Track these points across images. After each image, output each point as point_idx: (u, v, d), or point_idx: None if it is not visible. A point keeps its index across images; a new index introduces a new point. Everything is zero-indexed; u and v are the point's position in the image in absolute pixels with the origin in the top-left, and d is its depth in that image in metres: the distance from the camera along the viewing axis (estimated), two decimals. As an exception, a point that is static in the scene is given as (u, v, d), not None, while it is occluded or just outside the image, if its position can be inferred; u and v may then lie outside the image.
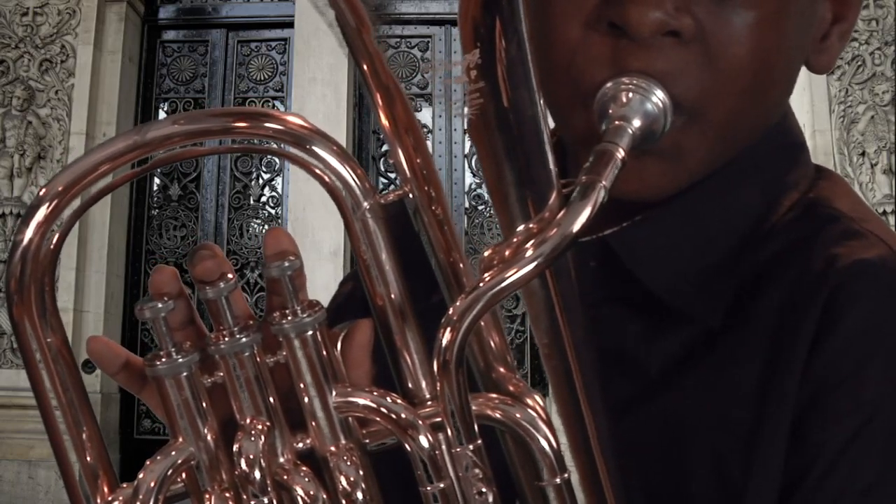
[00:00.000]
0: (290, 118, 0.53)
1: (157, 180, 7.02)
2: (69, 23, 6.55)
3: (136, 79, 6.92)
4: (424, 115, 6.93)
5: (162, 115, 7.07)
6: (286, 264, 0.55)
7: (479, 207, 6.78)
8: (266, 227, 6.91)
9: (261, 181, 7.01)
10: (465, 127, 6.60)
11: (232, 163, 6.95)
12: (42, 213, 0.53)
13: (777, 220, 0.77)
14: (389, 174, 6.83)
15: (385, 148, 6.87)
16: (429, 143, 6.75)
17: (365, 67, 0.54)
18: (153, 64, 7.03)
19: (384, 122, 0.55)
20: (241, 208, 6.93)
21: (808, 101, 5.97)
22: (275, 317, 0.55)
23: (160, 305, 0.54)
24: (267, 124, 0.52)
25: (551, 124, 0.68)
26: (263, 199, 6.96)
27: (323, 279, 5.51)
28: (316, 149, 0.54)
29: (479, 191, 6.80)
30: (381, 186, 6.86)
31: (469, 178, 6.81)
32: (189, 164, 6.98)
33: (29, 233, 0.54)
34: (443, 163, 6.78)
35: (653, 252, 0.76)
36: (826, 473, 0.67)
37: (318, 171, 0.55)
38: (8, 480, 5.94)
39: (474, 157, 6.82)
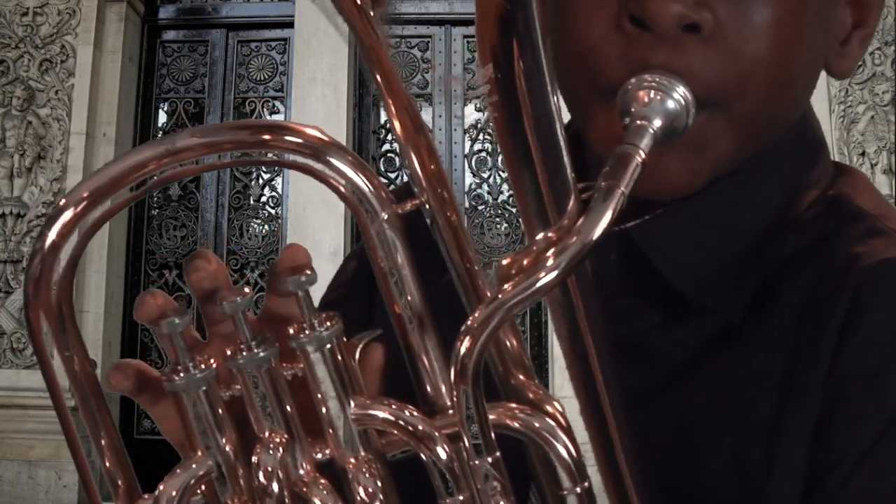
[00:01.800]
0: (308, 130, 0.53)
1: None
2: (69, 23, 6.55)
3: (136, 79, 6.91)
4: (424, 116, 6.91)
5: (162, 115, 7.07)
6: (303, 279, 0.55)
7: (479, 207, 6.78)
8: (266, 227, 6.90)
9: (261, 181, 7.00)
10: (465, 128, 6.60)
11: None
12: (68, 215, 0.53)
13: (798, 215, 0.77)
14: (389, 174, 6.83)
15: (385, 148, 6.87)
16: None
17: (380, 80, 0.54)
18: (153, 64, 7.02)
19: (398, 130, 0.55)
20: (241, 208, 6.93)
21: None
22: (293, 330, 0.55)
23: (177, 321, 0.54)
24: (287, 137, 0.52)
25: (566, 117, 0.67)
26: (263, 199, 6.96)
27: (323, 279, 5.49)
28: (333, 160, 0.53)
29: (478, 191, 6.80)
30: (381, 186, 6.86)
31: (469, 178, 6.80)
32: (189, 164, 6.96)
33: (52, 235, 0.53)
34: (443, 163, 6.78)
35: (674, 245, 0.77)
36: (852, 473, 0.67)
37: (334, 182, 0.55)
38: (8, 480, 5.94)
39: (475, 157, 6.82)
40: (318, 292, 0.98)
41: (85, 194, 0.53)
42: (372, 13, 0.52)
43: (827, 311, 0.71)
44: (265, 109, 7.02)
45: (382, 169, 6.83)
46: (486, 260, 6.66)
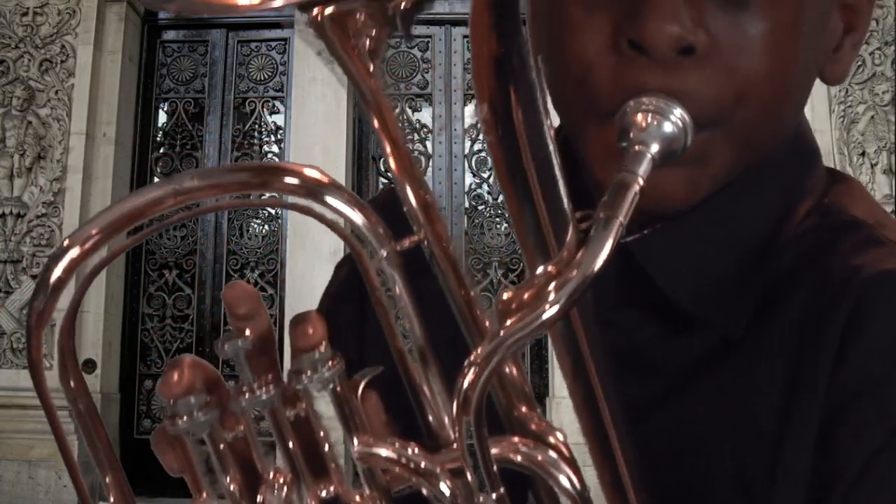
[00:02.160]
0: (307, 171, 0.53)
1: (157, 180, 6.99)
2: (69, 23, 6.55)
3: (136, 79, 6.91)
4: (424, 115, 6.93)
5: (162, 115, 7.08)
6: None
7: (479, 207, 6.78)
8: (266, 227, 6.91)
9: (261, 181, 7.01)
10: (465, 128, 6.60)
11: (232, 163, 6.95)
12: (74, 252, 0.53)
13: (794, 226, 0.78)
14: (389, 175, 6.83)
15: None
16: (429, 144, 6.80)
17: (377, 123, 0.54)
18: (153, 64, 7.03)
19: (394, 168, 0.56)
20: (241, 208, 6.93)
21: (808, 101, 5.96)
22: (295, 372, 0.55)
23: (193, 400, 0.54)
24: (286, 178, 0.52)
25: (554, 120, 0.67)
26: (263, 198, 6.95)
27: (323, 280, 5.49)
28: (330, 199, 0.54)
29: (478, 191, 6.80)
30: (380, 187, 6.87)
31: (469, 178, 6.81)
32: (189, 164, 6.98)
33: (58, 271, 0.54)
34: (443, 163, 6.78)
35: (673, 260, 0.77)
36: (855, 484, 0.67)
37: (327, 220, 0.55)
38: (8, 480, 5.94)
39: (475, 158, 6.82)
40: (317, 293, 0.98)
41: (93, 231, 0.53)
42: (371, 66, 0.53)
43: (826, 323, 0.71)
44: (265, 109, 7.03)
45: (382, 169, 6.83)
46: (487, 260, 6.67)
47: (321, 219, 0.55)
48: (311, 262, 6.14)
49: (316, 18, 0.50)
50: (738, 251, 0.77)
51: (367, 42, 0.53)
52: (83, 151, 6.41)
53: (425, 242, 0.56)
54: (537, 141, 0.54)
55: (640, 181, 0.58)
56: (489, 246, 6.70)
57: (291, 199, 0.54)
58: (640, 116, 0.66)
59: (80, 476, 0.61)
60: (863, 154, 6.13)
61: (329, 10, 0.49)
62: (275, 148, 7.03)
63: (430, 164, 6.83)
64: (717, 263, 0.77)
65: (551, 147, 0.55)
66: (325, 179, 0.54)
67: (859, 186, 0.84)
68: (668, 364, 0.77)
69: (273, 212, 6.92)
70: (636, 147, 0.62)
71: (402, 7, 0.50)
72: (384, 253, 0.55)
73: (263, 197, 0.55)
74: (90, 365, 6.26)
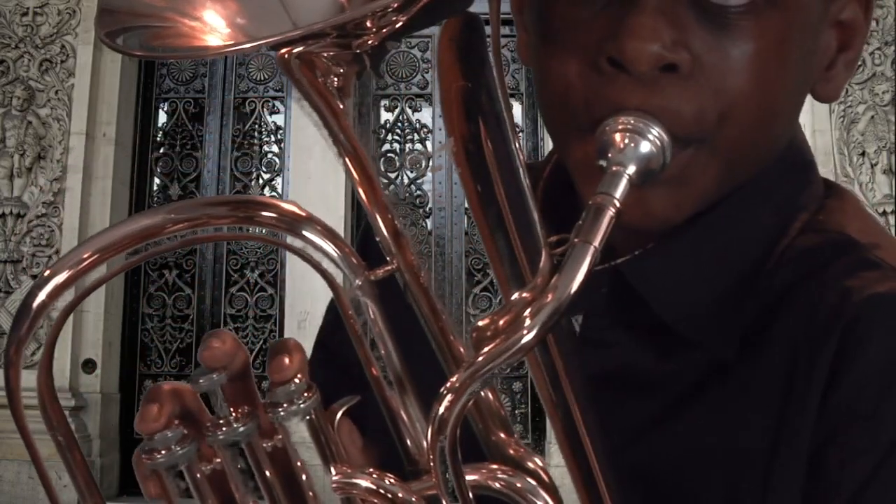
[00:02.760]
0: (283, 205, 0.54)
1: (156, 180, 7.02)
2: (69, 23, 6.54)
3: (136, 79, 6.91)
4: (424, 115, 6.93)
5: (162, 115, 7.07)
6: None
7: (479, 207, 6.77)
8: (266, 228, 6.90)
9: (261, 181, 7.01)
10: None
11: (232, 163, 6.95)
12: (62, 277, 0.54)
13: (788, 244, 0.77)
14: (390, 174, 6.83)
15: (385, 148, 6.87)
16: (428, 144, 6.79)
17: (349, 161, 0.54)
18: (153, 64, 7.01)
19: (364, 199, 0.56)
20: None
21: (808, 101, 5.91)
22: (270, 403, 0.55)
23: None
24: (263, 213, 0.53)
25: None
26: (263, 198, 6.95)
27: (323, 282, 5.50)
28: (305, 233, 0.54)
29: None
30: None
31: (469, 179, 6.80)
32: (189, 164, 6.98)
33: (42, 295, 0.54)
34: (443, 162, 6.78)
35: (665, 281, 0.76)
36: None
37: (304, 254, 0.56)
38: (8, 480, 5.94)
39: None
40: (318, 295, 0.99)
41: (85, 255, 0.53)
42: (342, 105, 0.53)
43: (818, 347, 0.70)
44: (265, 109, 7.02)
45: (382, 169, 6.83)
46: (487, 260, 6.65)
47: (297, 252, 0.55)
48: (310, 262, 6.14)
49: (283, 57, 0.51)
50: (731, 271, 0.76)
51: (336, 80, 0.53)
52: (83, 151, 6.41)
53: (399, 272, 0.57)
54: (508, 172, 0.54)
55: (617, 203, 0.58)
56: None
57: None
58: (617, 136, 0.66)
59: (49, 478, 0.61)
60: (863, 154, 6.12)
61: (297, 50, 0.49)
62: (275, 148, 7.03)
63: (430, 164, 6.82)
64: (710, 284, 0.76)
65: (522, 177, 0.55)
66: (302, 213, 0.54)
67: (854, 201, 0.83)
68: (659, 385, 0.76)
69: (273, 212, 6.91)
70: (613, 168, 0.62)
71: (370, 46, 0.50)
72: (358, 282, 0.55)
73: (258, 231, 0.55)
74: (90, 365, 6.27)
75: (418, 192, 6.80)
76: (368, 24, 0.46)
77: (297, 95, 0.53)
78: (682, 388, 0.75)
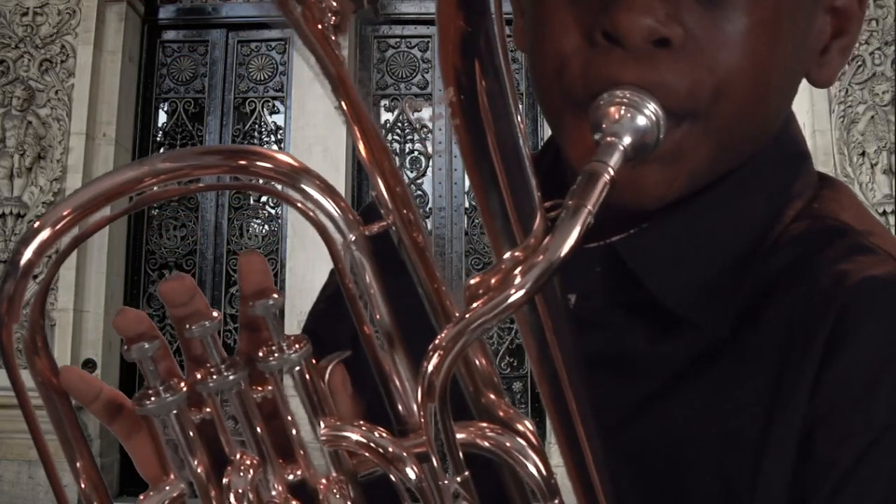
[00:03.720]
0: (279, 156, 0.54)
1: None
2: (69, 23, 6.55)
3: (136, 79, 6.91)
4: (424, 115, 6.93)
5: (162, 115, 7.08)
6: (270, 302, 0.55)
7: (480, 207, 6.77)
8: (266, 227, 6.91)
9: (261, 181, 7.00)
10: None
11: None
12: (45, 234, 0.54)
13: (782, 230, 0.77)
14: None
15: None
16: (428, 144, 6.80)
17: (346, 107, 0.54)
18: (153, 64, 7.02)
19: (363, 154, 0.56)
20: (241, 208, 6.93)
21: (808, 101, 5.97)
22: (261, 353, 0.55)
23: (147, 345, 0.54)
24: (259, 162, 0.53)
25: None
26: (263, 198, 6.96)
27: (322, 278, 5.51)
28: (302, 185, 0.54)
29: (479, 191, 6.80)
30: (381, 186, 6.86)
31: (469, 178, 6.80)
32: (189, 164, 6.98)
33: (28, 253, 0.54)
34: (443, 163, 6.78)
35: (660, 260, 0.77)
36: (835, 493, 0.67)
37: (301, 206, 0.55)
38: (8, 480, 5.94)
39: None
40: (317, 290, 0.99)
41: (65, 212, 0.53)
42: (334, 37, 0.53)
43: (812, 330, 0.70)
44: (265, 109, 7.03)
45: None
46: (487, 260, 6.66)
47: (290, 202, 0.55)
48: (311, 261, 6.14)
49: None
50: (726, 253, 0.77)
51: (333, 18, 0.53)
52: (83, 151, 6.41)
53: (394, 228, 0.57)
54: (505, 127, 0.54)
55: (611, 171, 0.58)
56: (489, 246, 6.66)
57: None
58: (612, 109, 0.66)
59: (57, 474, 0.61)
60: (863, 154, 6.11)
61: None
62: (275, 148, 7.03)
63: (430, 164, 6.83)
64: (704, 264, 0.77)
65: (520, 135, 0.55)
66: (297, 164, 0.54)
67: (848, 192, 0.84)
68: (652, 365, 0.76)
69: (273, 211, 6.92)
70: (608, 138, 0.63)
71: None
72: (353, 237, 0.55)
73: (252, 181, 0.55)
74: (90, 365, 6.27)
75: (418, 192, 6.81)
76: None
77: (300, 44, 0.53)
78: (675, 368, 0.75)
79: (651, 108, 0.66)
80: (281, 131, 6.99)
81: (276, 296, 0.56)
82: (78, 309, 6.26)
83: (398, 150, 6.90)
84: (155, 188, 0.53)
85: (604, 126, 0.65)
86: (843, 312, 0.70)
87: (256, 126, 7.04)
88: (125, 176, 0.53)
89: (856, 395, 0.68)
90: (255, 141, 7.04)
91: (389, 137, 6.91)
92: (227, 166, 0.54)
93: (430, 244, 0.59)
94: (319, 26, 0.53)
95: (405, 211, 0.57)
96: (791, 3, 0.73)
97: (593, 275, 0.79)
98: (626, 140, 0.63)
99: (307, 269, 6.16)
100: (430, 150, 6.86)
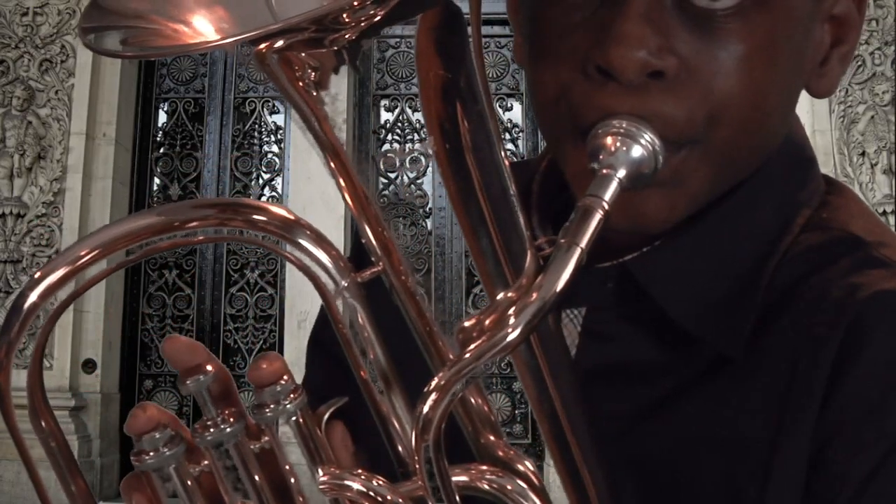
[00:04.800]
0: (273, 209, 0.54)
1: (156, 180, 7.03)
2: (69, 23, 6.55)
3: (136, 79, 6.91)
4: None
5: (162, 115, 7.08)
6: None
7: (479, 207, 6.77)
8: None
9: (261, 181, 7.01)
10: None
11: (232, 163, 6.95)
12: (55, 277, 0.54)
13: (792, 240, 0.77)
14: (390, 174, 6.83)
15: (384, 148, 6.87)
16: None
17: (331, 161, 0.54)
18: (153, 64, 7.02)
19: (350, 203, 0.56)
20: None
21: (808, 101, 5.85)
22: (257, 405, 0.55)
23: (157, 436, 0.55)
24: (252, 216, 0.53)
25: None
26: (263, 199, 6.96)
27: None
28: (296, 238, 0.54)
29: (479, 191, 6.79)
30: (380, 186, 6.86)
31: (469, 178, 6.80)
32: (189, 164, 6.98)
33: (33, 296, 0.54)
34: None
35: (672, 278, 0.76)
36: (852, 502, 0.67)
37: (294, 259, 0.56)
38: (8, 480, 5.95)
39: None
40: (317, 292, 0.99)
41: (61, 266, 0.53)
42: (315, 93, 0.53)
43: (823, 342, 0.70)
44: (265, 109, 7.03)
45: (382, 169, 6.82)
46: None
47: (284, 256, 0.55)
48: (310, 262, 6.14)
49: (260, 52, 0.50)
50: (737, 266, 0.76)
51: (313, 74, 0.53)
52: (83, 151, 6.42)
53: (385, 274, 0.57)
54: (490, 170, 0.54)
55: (605, 206, 0.58)
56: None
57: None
58: (609, 140, 0.65)
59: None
60: (863, 154, 6.12)
61: (277, 45, 0.49)
62: (275, 148, 7.03)
63: (430, 164, 6.83)
64: (715, 280, 0.76)
65: (506, 176, 0.55)
66: (291, 217, 0.54)
67: (856, 198, 0.83)
68: (661, 378, 0.76)
69: (273, 212, 6.91)
70: (604, 171, 0.62)
71: (347, 40, 0.49)
72: (345, 283, 0.55)
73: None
74: (90, 365, 6.27)
75: (418, 192, 6.81)
76: (346, 17, 0.46)
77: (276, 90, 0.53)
78: (684, 380, 0.75)
79: (647, 137, 0.66)
80: (281, 131, 6.99)
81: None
82: (78, 309, 6.26)
83: (398, 150, 6.90)
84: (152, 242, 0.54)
85: (600, 157, 0.64)
86: (855, 325, 0.70)
87: (256, 126, 7.04)
88: (122, 229, 0.53)
89: (868, 407, 0.68)
90: (255, 141, 7.03)
91: (389, 137, 6.91)
92: (222, 219, 0.55)
93: (431, 284, 0.59)
94: (301, 83, 0.53)
95: (395, 260, 0.57)
96: (787, 24, 0.72)
97: (605, 290, 0.79)
98: (622, 172, 0.63)
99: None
100: (429, 150, 6.85)
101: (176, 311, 6.78)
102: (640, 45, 0.67)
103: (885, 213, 6.01)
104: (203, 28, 0.47)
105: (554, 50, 0.72)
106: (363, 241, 0.55)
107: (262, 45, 0.48)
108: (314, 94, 0.53)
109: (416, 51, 0.51)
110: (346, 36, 0.49)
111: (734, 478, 0.71)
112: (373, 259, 0.56)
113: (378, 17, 0.46)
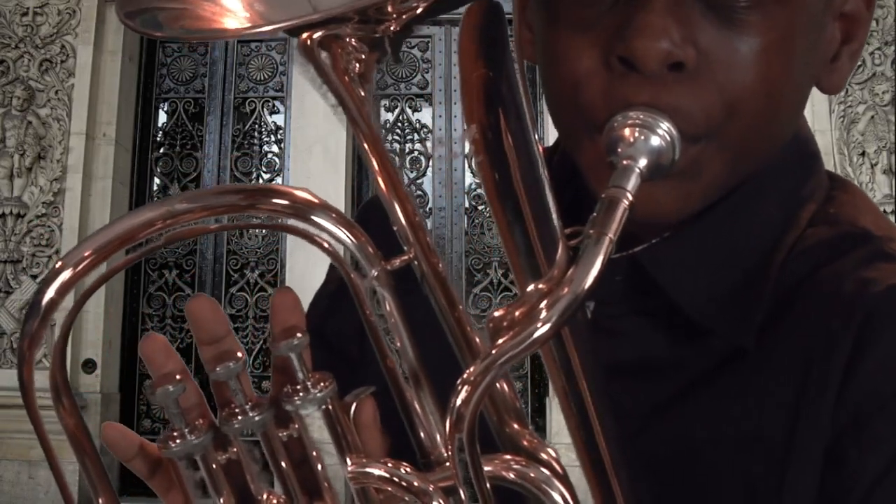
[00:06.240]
0: (297, 192, 0.54)
1: (156, 180, 7.02)
2: (69, 23, 6.54)
3: (136, 79, 6.90)
4: (425, 115, 6.92)
5: (162, 115, 7.07)
6: (295, 342, 0.55)
7: (480, 207, 6.77)
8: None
9: (261, 181, 7.00)
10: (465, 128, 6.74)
11: (232, 163, 6.94)
12: (67, 274, 0.54)
13: (799, 234, 0.78)
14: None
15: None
16: (428, 144, 6.80)
17: (362, 137, 0.54)
18: (153, 64, 7.01)
19: (383, 188, 0.56)
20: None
21: (809, 101, 5.94)
22: (287, 393, 0.55)
23: (171, 388, 0.54)
24: (276, 200, 0.53)
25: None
26: (263, 198, 6.95)
27: (322, 277, 5.51)
28: (319, 220, 0.54)
29: (479, 191, 6.79)
30: (381, 186, 6.85)
31: (469, 178, 6.80)
32: (189, 164, 6.97)
33: (50, 293, 0.54)
34: (442, 163, 6.78)
35: (682, 269, 0.77)
36: (867, 496, 0.67)
37: (319, 240, 0.55)
38: (8, 480, 5.95)
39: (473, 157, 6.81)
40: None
41: (86, 253, 0.53)
42: (363, 92, 0.53)
43: (836, 337, 0.71)
44: (265, 109, 7.02)
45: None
46: (487, 260, 6.67)
47: (311, 240, 0.55)
48: (311, 261, 6.13)
49: (305, 43, 0.50)
50: (746, 259, 0.77)
51: (357, 66, 0.53)
52: (83, 151, 6.41)
53: (416, 262, 0.56)
54: (527, 162, 0.54)
55: (629, 196, 0.58)
56: (489, 246, 6.69)
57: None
58: (627, 131, 0.66)
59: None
60: (863, 154, 6.12)
61: (318, 35, 0.49)
62: (275, 148, 7.03)
63: (430, 164, 6.83)
64: (724, 272, 0.77)
65: (541, 168, 0.55)
66: (315, 200, 0.54)
67: (861, 193, 0.84)
68: (673, 372, 0.76)
69: (273, 212, 6.91)
70: (624, 162, 0.63)
71: (391, 31, 0.50)
72: (375, 273, 0.55)
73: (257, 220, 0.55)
74: (90, 365, 6.26)
75: (418, 193, 6.80)
76: (389, 8, 0.46)
77: (321, 85, 0.53)
78: (697, 375, 0.75)
79: (664, 127, 0.66)
80: (281, 131, 6.99)
81: (300, 335, 0.56)
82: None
83: (398, 150, 6.90)
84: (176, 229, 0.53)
85: (619, 150, 0.65)
86: (868, 319, 0.70)
87: (256, 126, 7.04)
88: (143, 217, 0.53)
89: (884, 401, 0.68)
90: (255, 141, 7.03)
91: (389, 137, 6.91)
92: (244, 205, 0.54)
93: (451, 273, 0.59)
94: (346, 77, 0.53)
95: (427, 247, 0.57)
96: (804, 19, 0.73)
97: (614, 284, 0.79)
98: (643, 162, 0.63)
99: (307, 269, 6.16)
100: (430, 150, 6.85)
101: (176, 311, 6.77)
102: (664, 36, 0.67)
103: (885, 213, 6.01)
104: (236, 10, 0.47)
105: (572, 44, 0.72)
106: (395, 227, 0.55)
107: (305, 35, 0.48)
108: (358, 87, 0.53)
109: (459, 46, 0.51)
110: (391, 27, 0.49)
111: (749, 472, 0.72)
112: (404, 247, 0.56)
113: (421, 9, 0.46)
